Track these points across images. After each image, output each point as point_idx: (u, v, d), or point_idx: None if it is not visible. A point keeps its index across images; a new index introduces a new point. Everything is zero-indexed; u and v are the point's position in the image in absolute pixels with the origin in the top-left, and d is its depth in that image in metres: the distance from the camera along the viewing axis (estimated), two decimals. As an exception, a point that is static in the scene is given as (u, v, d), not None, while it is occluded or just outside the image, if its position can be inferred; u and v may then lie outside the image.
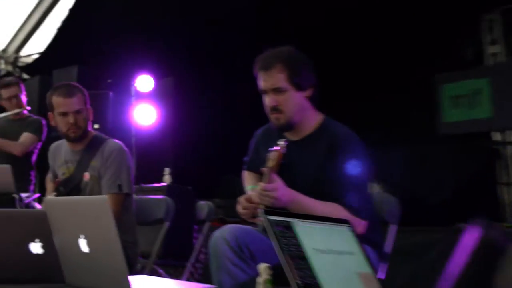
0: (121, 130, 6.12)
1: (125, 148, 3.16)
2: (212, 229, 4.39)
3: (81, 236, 1.78)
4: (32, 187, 4.58)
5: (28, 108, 4.66)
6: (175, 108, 6.56)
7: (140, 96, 6.52)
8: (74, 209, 1.80)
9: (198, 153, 6.99)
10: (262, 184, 2.26)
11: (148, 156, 6.18)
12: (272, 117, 2.43)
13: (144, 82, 6.43)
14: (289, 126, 2.43)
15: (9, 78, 4.76)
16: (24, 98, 4.63)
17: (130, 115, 6.55)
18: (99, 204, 1.67)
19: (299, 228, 1.56)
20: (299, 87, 2.39)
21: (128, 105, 6.61)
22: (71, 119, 3.03)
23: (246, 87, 6.40)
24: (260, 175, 2.68)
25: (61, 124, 3.07)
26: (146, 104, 6.47)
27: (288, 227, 1.56)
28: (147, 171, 5.70)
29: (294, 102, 2.39)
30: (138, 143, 6.17)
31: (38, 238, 1.98)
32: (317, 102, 2.48)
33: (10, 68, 7.94)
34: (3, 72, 7.90)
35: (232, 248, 2.26)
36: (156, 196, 3.77)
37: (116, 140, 3.21)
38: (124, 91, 6.59)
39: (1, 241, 2.00)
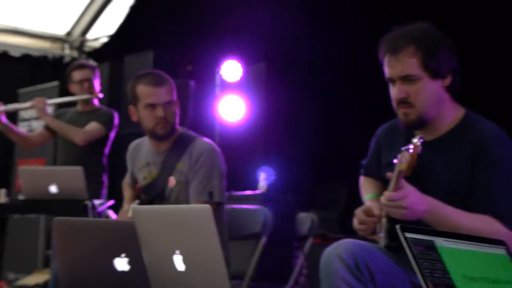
0: (203, 126, 6.22)
1: (218, 149, 3.21)
2: (315, 247, 4.41)
3: (176, 251, 1.83)
4: (104, 191, 4.74)
5: (101, 95, 4.82)
6: (268, 100, 6.59)
7: (226, 85, 6.61)
8: (169, 220, 1.85)
9: (295, 154, 6.99)
10: (388, 193, 2.23)
11: (235, 157, 6.25)
12: (400, 111, 2.39)
13: (231, 69, 6.51)
14: (421, 123, 2.38)
15: (84, 61, 4.94)
16: (97, 85, 4.81)
17: (214, 109, 6.66)
18: (201, 214, 1.71)
19: (445, 249, 1.54)
20: (435, 74, 2.33)
21: (211, 97, 6.72)
22: (160, 112, 3.10)
23: (362, 75, 6.36)
24: (381, 182, 2.66)
25: (148, 118, 3.13)
26: (233, 95, 6.55)
27: (431, 247, 1.53)
28: (233, 175, 5.76)
29: (428, 93, 2.34)
30: (223, 142, 6.25)
31: (124, 252, 2.06)
32: (458, 93, 2.42)
33: (75, 54, 8.28)
34: (67, 59, 8.25)
35: (349, 268, 2.24)
36: (251, 206, 3.81)
37: (206, 139, 3.27)
38: (207, 80, 6.70)
39: (82, 254, 2.10)
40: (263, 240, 3.43)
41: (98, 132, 4.68)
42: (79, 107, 4.84)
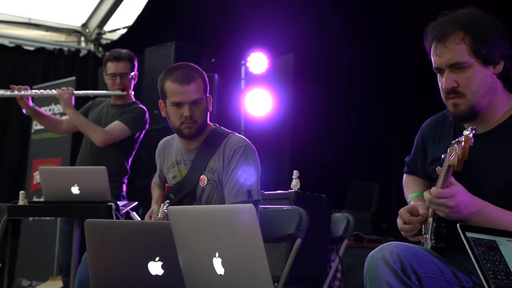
0: (228, 121, 6.23)
1: (252, 145, 3.21)
2: (348, 249, 4.37)
3: (215, 254, 1.83)
4: (124, 189, 4.64)
5: (132, 93, 4.67)
6: (296, 94, 6.58)
7: (252, 78, 6.61)
8: (209, 221, 1.85)
9: (324, 151, 6.97)
10: (435, 189, 2.21)
11: (262, 154, 6.25)
12: (449, 102, 2.37)
13: (257, 61, 6.51)
14: (472, 114, 2.35)
15: (123, 51, 4.72)
16: (132, 80, 4.67)
17: (239, 103, 6.66)
18: (244, 214, 1.71)
19: (508, 250, 1.52)
20: (486, 61, 2.31)
21: (236, 91, 6.72)
22: (186, 111, 3.09)
23: (395, 67, 6.29)
24: (427, 180, 2.64)
25: (174, 116, 3.13)
26: (260, 88, 6.55)
27: (493, 247, 1.52)
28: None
29: (479, 81, 2.31)
30: (248, 137, 6.23)
31: (158, 256, 2.06)
32: (511, 81, 2.39)
33: (91, 47, 8.33)
34: (83, 53, 8.29)
35: (396, 272, 2.22)
36: (283, 206, 3.79)
37: (240, 135, 3.26)
38: (232, 73, 6.70)
39: (114, 258, 2.11)
40: (298, 242, 3.40)
41: (120, 133, 4.50)
42: (112, 100, 4.70)
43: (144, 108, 4.66)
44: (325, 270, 4.38)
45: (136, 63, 4.71)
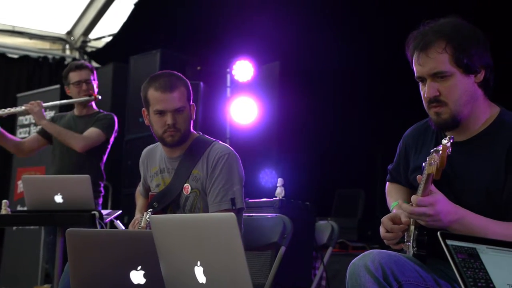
0: (213, 129, 6.23)
1: (235, 153, 3.20)
2: (333, 256, 4.37)
3: (197, 262, 1.83)
4: (100, 201, 4.70)
5: (99, 97, 4.79)
6: (281, 101, 6.60)
7: (238, 86, 6.62)
8: (190, 230, 1.84)
9: (309, 159, 6.98)
10: (416, 197, 2.22)
11: (247, 162, 6.25)
12: (432, 111, 2.39)
13: (243, 69, 6.53)
14: (454, 122, 2.37)
15: (81, 61, 4.90)
16: (95, 86, 4.79)
17: (224, 111, 6.66)
18: (225, 223, 1.70)
19: (488, 257, 1.53)
20: (467, 70, 2.33)
21: (222, 98, 6.73)
22: (169, 119, 3.08)
23: (381, 76, 6.33)
24: (409, 188, 2.65)
25: (157, 124, 3.12)
26: (245, 96, 6.56)
27: (473, 255, 1.53)
28: (245, 181, 5.75)
29: (461, 90, 2.33)
30: (234, 145, 6.24)
31: (140, 265, 2.06)
32: (491, 89, 2.41)
33: (76, 54, 8.31)
34: (68, 60, 8.27)
35: (377, 280, 2.23)
36: (267, 214, 3.79)
37: (223, 144, 3.26)
38: (218, 81, 6.71)
39: (96, 267, 2.10)
40: (282, 250, 3.40)
41: (98, 138, 4.64)
42: (76, 111, 4.81)
43: (113, 114, 4.81)
44: (310, 278, 4.38)
45: (95, 74, 4.85)
